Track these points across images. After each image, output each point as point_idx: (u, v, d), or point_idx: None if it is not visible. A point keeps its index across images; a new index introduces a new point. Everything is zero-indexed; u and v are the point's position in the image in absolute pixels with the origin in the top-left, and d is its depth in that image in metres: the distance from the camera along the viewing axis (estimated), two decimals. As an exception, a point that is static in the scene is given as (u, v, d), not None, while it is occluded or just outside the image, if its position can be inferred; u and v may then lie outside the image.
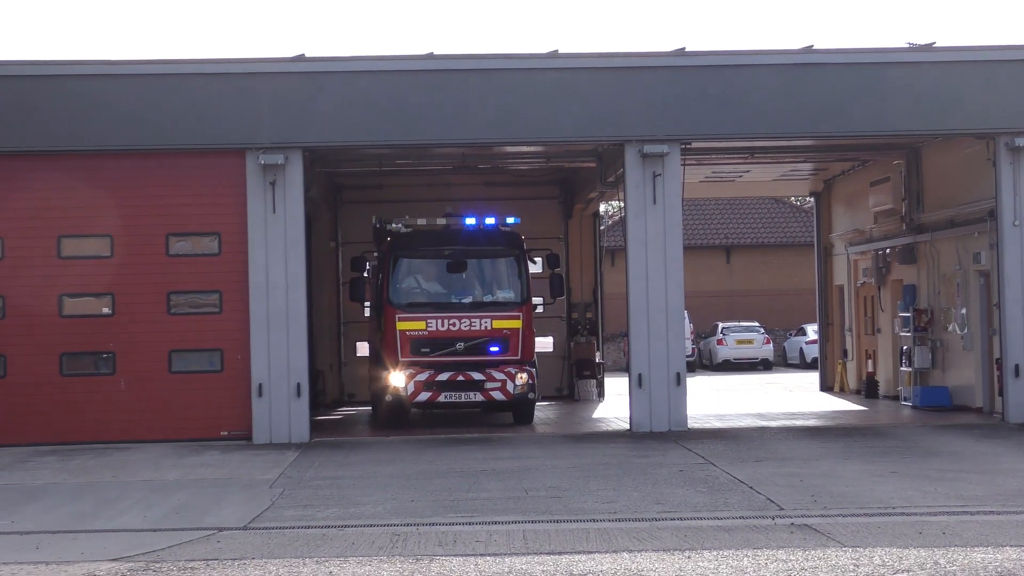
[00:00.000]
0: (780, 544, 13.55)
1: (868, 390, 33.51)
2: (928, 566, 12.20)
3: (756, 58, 26.10)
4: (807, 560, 12.56)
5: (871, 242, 33.40)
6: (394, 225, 27.84)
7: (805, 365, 51.90)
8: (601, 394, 35.25)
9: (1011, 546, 13.21)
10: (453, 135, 25.90)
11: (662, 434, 24.73)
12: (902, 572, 11.97)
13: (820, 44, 26.40)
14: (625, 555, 13.07)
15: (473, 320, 26.85)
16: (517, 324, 26.99)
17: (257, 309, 24.99)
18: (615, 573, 12.18)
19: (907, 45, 26.78)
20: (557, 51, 25.80)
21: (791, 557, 12.74)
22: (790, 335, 57.02)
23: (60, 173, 25.24)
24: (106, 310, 25.41)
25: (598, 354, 35.77)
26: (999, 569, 12.01)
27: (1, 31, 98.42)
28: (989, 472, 18.82)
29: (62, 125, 25.11)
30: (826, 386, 36.92)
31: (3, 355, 25.12)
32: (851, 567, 12.19)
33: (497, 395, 26.78)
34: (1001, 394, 26.05)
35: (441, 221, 28.17)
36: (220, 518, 16.29)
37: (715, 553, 13.06)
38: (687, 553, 13.09)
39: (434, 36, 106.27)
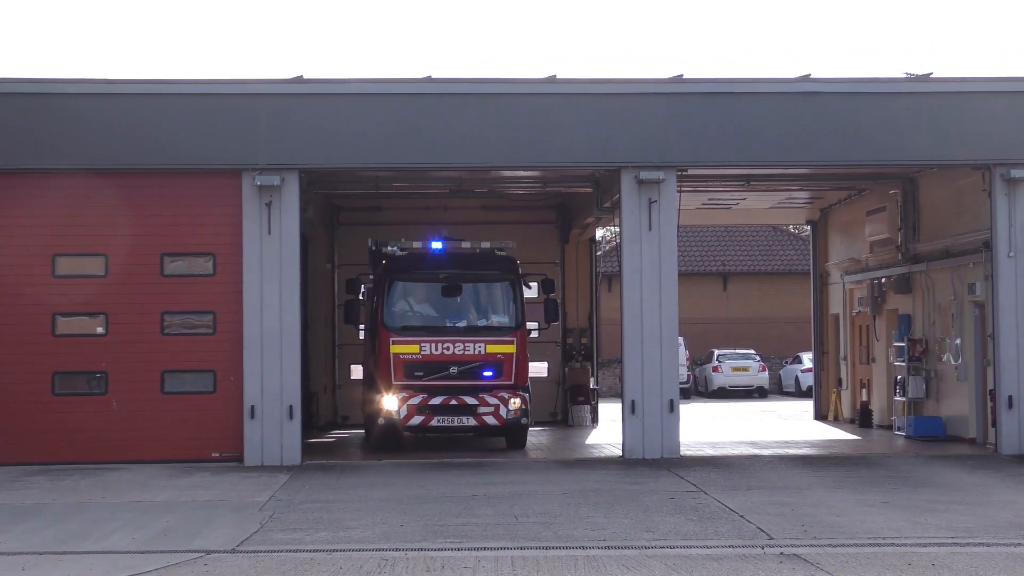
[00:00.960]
0: (769, 573, 13.50)
1: (862, 419, 33.47)
2: (916, 598, 12.15)
3: (753, 86, 26.13)
4: (795, 590, 12.51)
5: (867, 271, 33.41)
6: (390, 248, 27.82)
7: (800, 393, 51.84)
8: (595, 420, 35.19)
9: (1000, 579, 13.16)
10: (450, 159, 25.91)
11: (654, 461, 24.68)
12: (890, 604, 11.91)
13: (817, 73, 26.39)
14: (613, 583, 13.01)
15: (467, 344, 26.82)
16: (511, 349, 26.96)
17: (251, 330, 24.94)
18: (602, 601, 12.12)
19: (904, 75, 26.79)
20: (555, 76, 25.83)
21: (779, 587, 12.69)
22: (786, 363, 56.98)
23: (55, 191, 25.22)
24: (99, 329, 25.36)
25: (592, 380, 35.73)
26: (988, 602, 11.96)
27: None
28: (980, 504, 18.77)
29: (58, 144, 25.10)
30: (820, 415, 36.88)
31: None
32: (839, 598, 12.14)
33: (490, 420, 26.74)
34: (994, 425, 26.00)
35: (436, 245, 28.12)
36: (209, 540, 16.22)
37: (703, 582, 13.00)
38: (675, 582, 13.03)
39: (432, 60, 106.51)
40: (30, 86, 25.68)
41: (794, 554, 14.71)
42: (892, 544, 15.37)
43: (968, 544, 15.38)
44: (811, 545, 15.27)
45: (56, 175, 25.27)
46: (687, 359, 53.22)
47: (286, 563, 14.59)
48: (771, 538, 15.85)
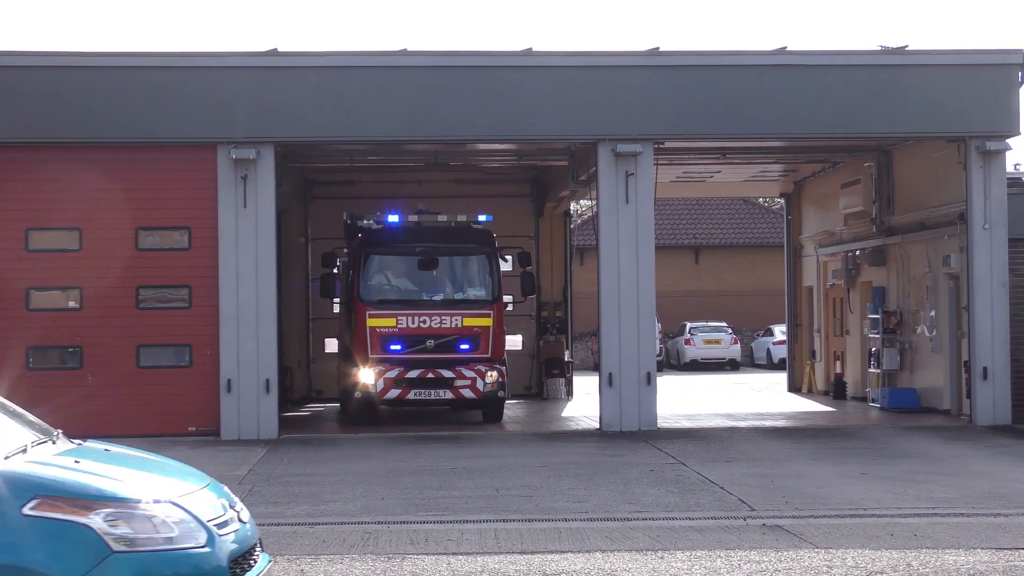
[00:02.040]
0: (753, 545, 13.53)
1: (836, 391, 33.60)
2: (901, 568, 12.20)
3: (730, 59, 26.12)
4: (780, 561, 12.55)
5: (841, 244, 33.49)
6: (365, 221, 27.73)
7: (772, 366, 52.02)
8: (570, 392, 35.23)
9: (982, 548, 13.23)
10: (425, 132, 25.84)
11: (632, 433, 24.72)
12: (875, 574, 11.96)
13: (794, 46, 26.41)
14: (598, 555, 13.03)
15: (444, 318, 26.79)
16: (488, 322, 26.94)
17: (226, 304, 24.85)
18: (588, 573, 12.14)
19: (880, 48, 26.87)
20: (531, 49, 25.75)
21: (764, 558, 12.73)
22: (758, 335, 57.15)
23: (29, 165, 25.03)
24: (74, 304, 25.23)
25: (567, 353, 35.75)
26: (971, 571, 12.02)
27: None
28: (959, 474, 18.87)
29: (31, 117, 24.89)
30: (794, 387, 37.01)
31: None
32: (824, 569, 12.19)
33: (467, 393, 26.72)
34: (969, 396, 26.14)
35: (412, 218, 28.06)
36: (189, 514, 16.13)
37: (688, 554, 13.03)
38: (660, 553, 13.06)
39: (408, 33, 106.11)
40: (2, 59, 25.45)
41: (776, 525, 14.75)
42: (873, 515, 15.44)
43: (949, 515, 15.45)
44: (793, 516, 15.32)
45: (30, 148, 25.07)
46: (660, 332, 53.30)
47: (268, 536, 14.51)
48: (753, 509, 15.89)
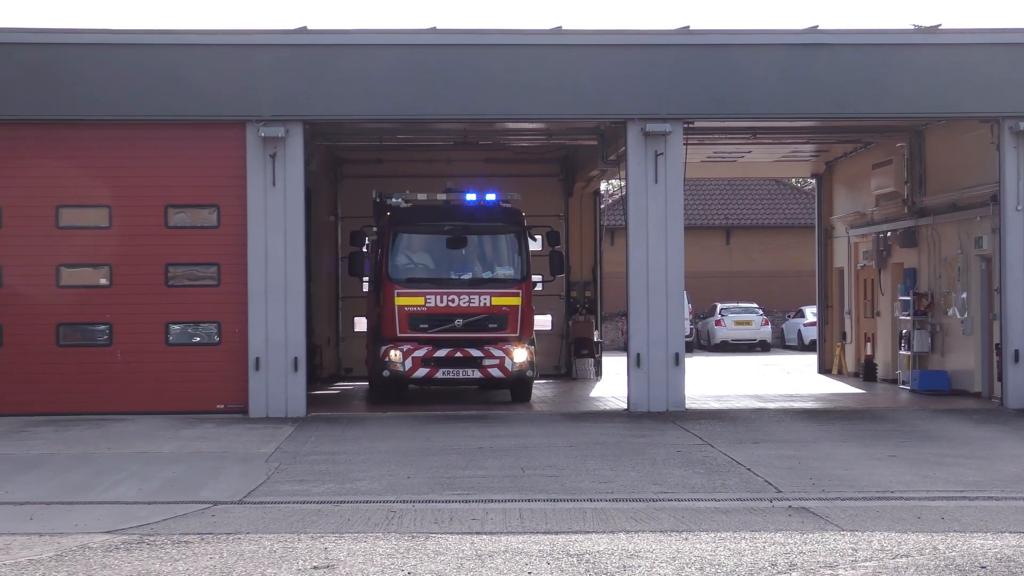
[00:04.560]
0: (778, 527, 13.47)
1: (866, 373, 33.44)
2: (927, 551, 12.12)
3: (761, 38, 25.96)
4: (805, 544, 12.48)
5: (872, 225, 33.29)
6: (394, 200, 27.68)
7: (803, 347, 51.84)
8: (599, 373, 35.17)
9: (1010, 532, 13.13)
10: (454, 110, 25.76)
11: (660, 414, 24.66)
12: (901, 557, 11.88)
13: (825, 25, 26.19)
14: (622, 535, 12.99)
15: (472, 296, 26.73)
16: (516, 301, 26.86)
17: (255, 282, 24.88)
18: (612, 553, 12.09)
19: (913, 27, 26.60)
20: (561, 27, 25.66)
21: (789, 540, 12.66)
22: (788, 317, 56.95)
23: (59, 143, 25.11)
24: (103, 281, 25.31)
25: (596, 333, 35.68)
26: (998, 555, 11.93)
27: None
28: (988, 457, 18.75)
29: (62, 95, 24.95)
30: (824, 368, 36.86)
31: (0, 325, 25.01)
32: (850, 551, 12.11)
33: (495, 372, 26.69)
34: (1000, 379, 25.97)
35: (442, 196, 28.01)
36: (215, 492, 16.21)
37: (713, 535, 12.98)
38: (684, 535, 13.01)
39: (437, 11, 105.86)
40: (35, 36, 25.53)
41: (803, 507, 14.68)
42: (901, 498, 15.35)
43: (977, 498, 15.36)
44: (819, 498, 15.25)
45: (60, 126, 25.14)
46: (690, 313, 53.17)
47: (293, 514, 14.57)
48: (779, 491, 15.82)
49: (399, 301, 26.70)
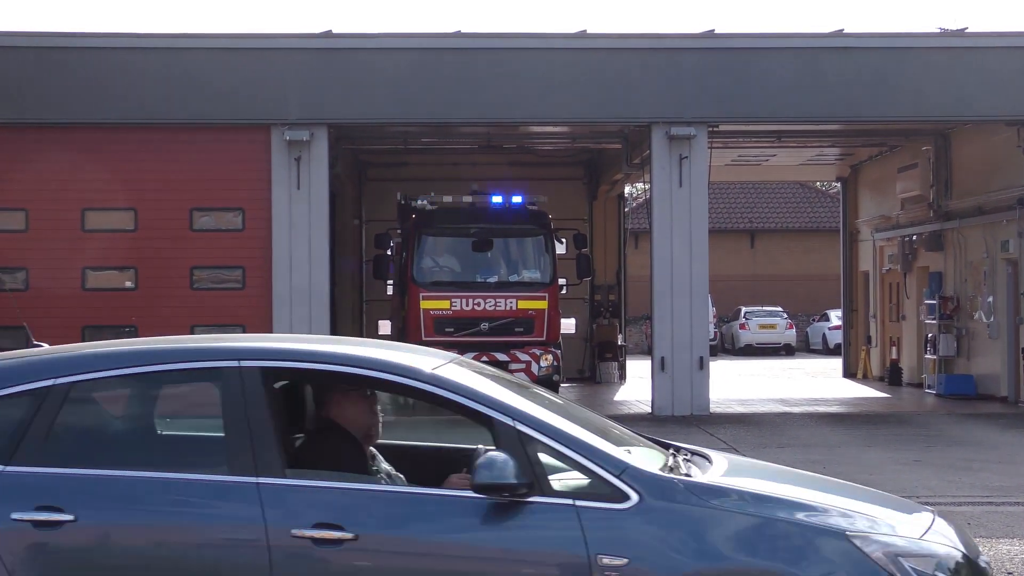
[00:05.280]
0: (803, 531, 13.39)
1: (892, 377, 33.34)
2: (953, 557, 12.04)
3: (786, 41, 25.92)
4: (831, 548, 12.41)
5: (897, 228, 33.20)
6: (420, 202, 27.60)
7: (827, 351, 51.69)
8: (623, 376, 35.12)
9: (1037, 538, 13.06)
10: (479, 114, 25.78)
11: (684, 418, 24.61)
12: (927, 562, 11.81)
13: (851, 28, 26.12)
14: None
15: (498, 300, 26.60)
16: (543, 305, 26.73)
17: (280, 286, 24.94)
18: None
19: (938, 30, 26.57)
20: (585, 31, 25.68)
21: (815, 545, 12.59)
22: (813, 320, 56.82)
23: (85, 145, 25.20)
24: (129, 284, 25.40)
25: (620, 336, 35.64)
26: (1025, 561, 11.87)
27: (27, 2, 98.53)
28: (1014, 462, 18.64)
29: (87, 97, 25.05)
30: (849, 372, 36.76)
31: (25, 326, 25.07)
32: (875, 556, 12.04)
33: (521, 376, 26.62)
34: (1027, 384, 25.87)
35: (467, 199, 27.93)
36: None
37: (738, 539, 12.91)
38: (709, 539, 12.95)
39: (462, 14, 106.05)
40: (59, 40, 25.66)
41: (828, 512, 14.60)
42: (926, 502, 15.22)
43: (1003, 503, 15.26)
44: (845, 503, 15.15)
45: (86, 129, 25.25)
46: (714, 316, 53.06)
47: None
48: (804, 496, 15.74)
49: (424, 304, 26.64)
